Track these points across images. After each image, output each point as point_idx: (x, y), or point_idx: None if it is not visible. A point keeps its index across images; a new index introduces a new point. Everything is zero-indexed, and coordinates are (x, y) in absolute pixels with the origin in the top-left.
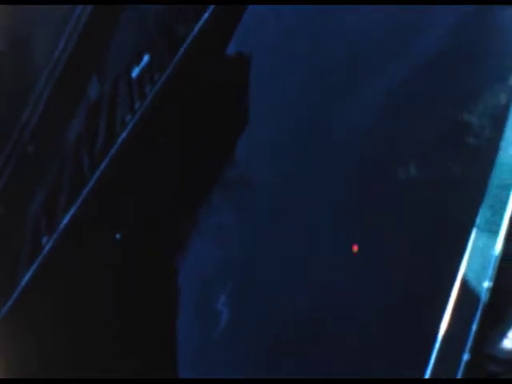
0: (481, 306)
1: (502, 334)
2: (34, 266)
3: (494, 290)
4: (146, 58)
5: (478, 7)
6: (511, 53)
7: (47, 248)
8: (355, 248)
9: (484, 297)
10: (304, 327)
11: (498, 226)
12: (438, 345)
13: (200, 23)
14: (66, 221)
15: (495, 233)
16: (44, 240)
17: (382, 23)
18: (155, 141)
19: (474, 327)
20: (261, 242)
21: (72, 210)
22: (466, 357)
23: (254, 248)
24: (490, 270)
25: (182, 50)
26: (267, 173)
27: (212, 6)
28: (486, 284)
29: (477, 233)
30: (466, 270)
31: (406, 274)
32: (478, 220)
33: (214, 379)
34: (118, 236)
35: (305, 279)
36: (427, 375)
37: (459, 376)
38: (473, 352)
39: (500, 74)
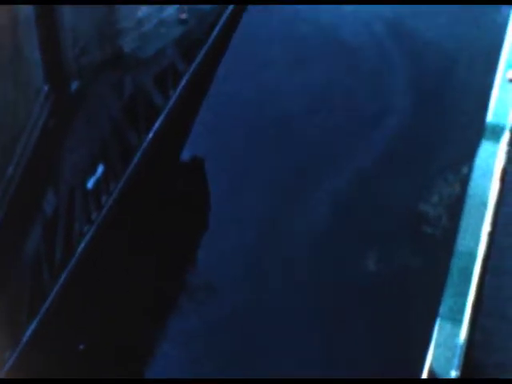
0: None
1: None
2: None
3: None
4: (100, 169)
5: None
6: (464, 142)
7: (9, 364)
8: None
9: None
10: None
11: (462, 314)
12: None
13: (152, 132)
14: (27, 335)
15: (459, 321)
16: (6, 355)
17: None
18: (114, 250)
19: None
20: (224, 344)
21: (33, 325)
22: None
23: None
24: (457, 360)
25: (135, 159)
26: (230, 278)
27: (163, 116)
28: (454, 373)
29: (440, 322)
30: (432, 360)
31: (372, 366)
32: (441, 309)
33: (214, 379)
34: (81, 346)
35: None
36: None
37: None
38: None
39: (453, 164)
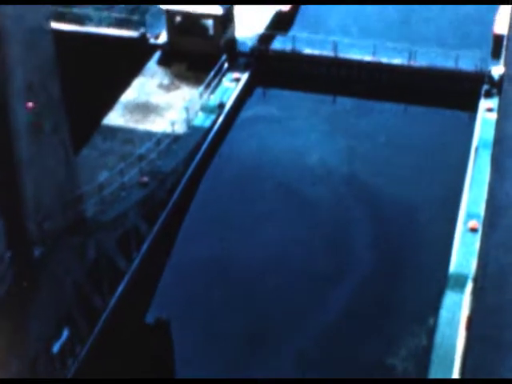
0: None
1: None
2: None
3: None
4: (65, 333)
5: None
6: (428, 293)
7: None
8: None
9: None
10: None
11: None
12: None
13: (116, 295)
14: None
15: None
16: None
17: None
18: None
19: None
20: None
21: None
22: None
23: None
24: None
25: (100, 321)
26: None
27: (126, 278)
28: None
29: None
30: None
31: None
32: None
33: (214, 379)
34: None
35: None
36: None
37: None
38: None
39: (419, 315)
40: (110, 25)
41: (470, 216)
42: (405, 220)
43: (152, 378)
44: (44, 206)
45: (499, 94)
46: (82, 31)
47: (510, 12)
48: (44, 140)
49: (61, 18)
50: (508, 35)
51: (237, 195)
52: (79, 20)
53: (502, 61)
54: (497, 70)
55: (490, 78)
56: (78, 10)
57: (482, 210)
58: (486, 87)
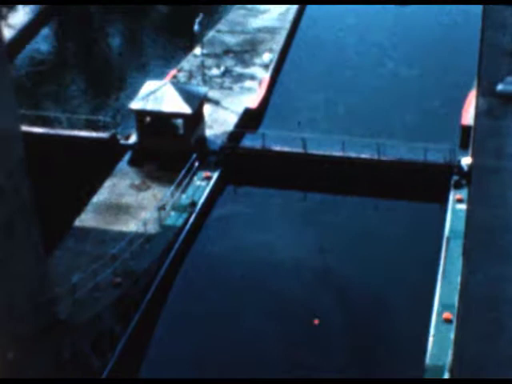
0: None
1: None
2: None
3: None
4: None
5: None
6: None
7: None
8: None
9: None
10: None
11: None
12: None
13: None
14: None
15: None
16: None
17: None
18: None
19: None
20: None
21: None
22: None
23: None
24: None
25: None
26: None
27: (101, 379)
28: None
29: None
30: None
31: None
32: None
33: (214, 379)
34: None
35: None
36: None
37: None
38: None
39: None
40: (79, 126)
41: (444, 307)
42: (378, 312)
43: None
44: (16, 308)
45: (469, 184)
46: (52, 133)
47: (475, 104)
48: (15, 243)
49: (30, 121)
50: (475, 126)
51: (210, 293)
52: (49, 122)
53: (470, 151)
54: (465, 161)
55: (459, 168)
56: (47, 113)
57: (455, 300)
58: (455, 178)
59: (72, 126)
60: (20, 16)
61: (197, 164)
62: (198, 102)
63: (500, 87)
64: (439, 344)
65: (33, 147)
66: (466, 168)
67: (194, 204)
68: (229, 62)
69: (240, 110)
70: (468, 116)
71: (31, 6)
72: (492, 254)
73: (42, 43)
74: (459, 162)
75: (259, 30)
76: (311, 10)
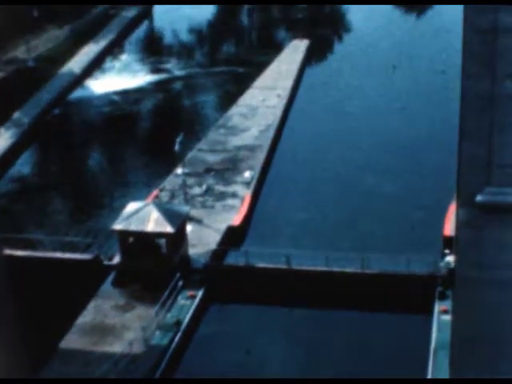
0: None
1: None
2: None
3: None
4: None
5: None
6: None
7: None
8: None
9: None
10: None
11: None
12: None
13: None
14: None
15: None
16: None
17: None
18: None
19: None
20: None
21: None
22: None
23: None
24: None
25: None
26: None
27: None
28: None
29: None
30: None
31: None
32: None
33: (214, 379)
34: None
35: None
36: None
37: None
38: None
39: None
40: (63, 248)
41: None
42: None
43: None
44: None
45: (453, 295)
46: (36, 256)
47: (455, 214)
48: None
49: (13, 243)
50: (456, 236)
51: None
52: (32, 245)
53: (453, 262)
54: (449, 272)
55: (443, 279)
56: (30, 235)
57: None
58: (439, 289)
59: (55, 248)
60: (2, 141)
61: (181, 283)
62: (180, 221)
63: (479, 198)
64: None
65: (16, 270)
66: (449, 279)
67: (179, 323)
68: (210, 180)
69: (223, 227)
70: (450, 226)
71: (13, 130)
72: (478, 365)
73: (24, 166)
74: (443, 273)
75: (239, 148)
76: (291, 127)
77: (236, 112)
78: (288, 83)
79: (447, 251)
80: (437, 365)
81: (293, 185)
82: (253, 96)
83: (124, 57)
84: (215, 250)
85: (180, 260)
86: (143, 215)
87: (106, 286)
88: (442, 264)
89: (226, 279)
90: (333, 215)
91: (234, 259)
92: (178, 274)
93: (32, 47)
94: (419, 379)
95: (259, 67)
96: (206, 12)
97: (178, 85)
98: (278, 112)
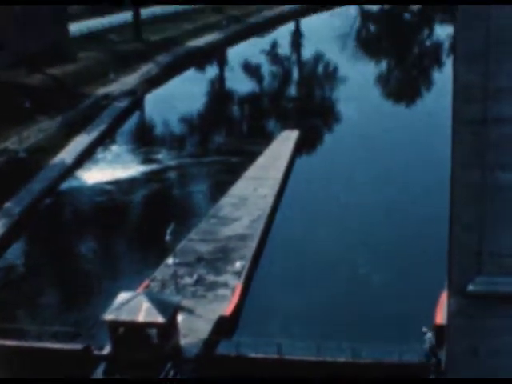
0: None
1: None
2: None
3: None
4: None
5: None
6: None
7: None
8: None
9: None
10: None
11: None
12: None
13: None
14: None
15: None
16: None
17: None
18: None
19: None
20: None
21: None
22: None
23: None
24: None
25: None
26: None
27: None
28: None
29: None
30: None
31: None
32: None
33: (214, 379)
34: None
35: None
36: None
37: None
38: None
39: None
40: (52, 338)
41: None
42: None
43: None
44: None
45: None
46: (25, 346)
47: (447, 304)
48: None
49: (2, 333)
50: (448, 326)
51: None
52: (21, 335)
53: (444, 351)
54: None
55: (436, 368)
56: (19, 325)
57: None
58: (432, 377)
59: (44, 338)
60: None
61: (172, 373)
62: (171, 311)
63: (470, 287)
64: None
65: (5, 361)
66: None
67: None
68: (201, 270)
69: (214, 317)
70: (441, 315)
71: (3, 220)
72: None
73: (15, 255)
74: (425, 335)
75: (230, 237)
76: (282, 217)
77: (227, 202)
78: (279, 173)
79: (425, 329)
80: None
81: (284, 273)
82: (244, 186)
83: (115, 147)
84: (206, 339)
85: (171, 350)
86: (134, 305)
87: (97, 376)
88: (426, 338)
89: (217, 369)
90: (325, 303)
91: (225, 349)
92: (169, 364)
93: (23, 138)
94: (419, 379)
95: (250, 157)
96: (197, 103)
97: (169, 175)
98: (269, 201)
